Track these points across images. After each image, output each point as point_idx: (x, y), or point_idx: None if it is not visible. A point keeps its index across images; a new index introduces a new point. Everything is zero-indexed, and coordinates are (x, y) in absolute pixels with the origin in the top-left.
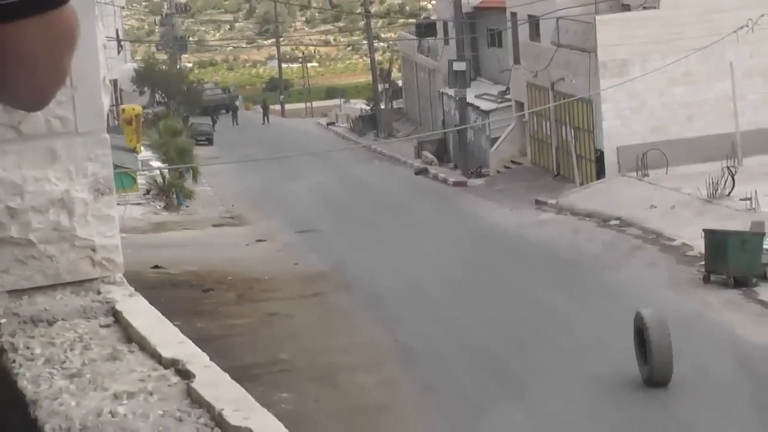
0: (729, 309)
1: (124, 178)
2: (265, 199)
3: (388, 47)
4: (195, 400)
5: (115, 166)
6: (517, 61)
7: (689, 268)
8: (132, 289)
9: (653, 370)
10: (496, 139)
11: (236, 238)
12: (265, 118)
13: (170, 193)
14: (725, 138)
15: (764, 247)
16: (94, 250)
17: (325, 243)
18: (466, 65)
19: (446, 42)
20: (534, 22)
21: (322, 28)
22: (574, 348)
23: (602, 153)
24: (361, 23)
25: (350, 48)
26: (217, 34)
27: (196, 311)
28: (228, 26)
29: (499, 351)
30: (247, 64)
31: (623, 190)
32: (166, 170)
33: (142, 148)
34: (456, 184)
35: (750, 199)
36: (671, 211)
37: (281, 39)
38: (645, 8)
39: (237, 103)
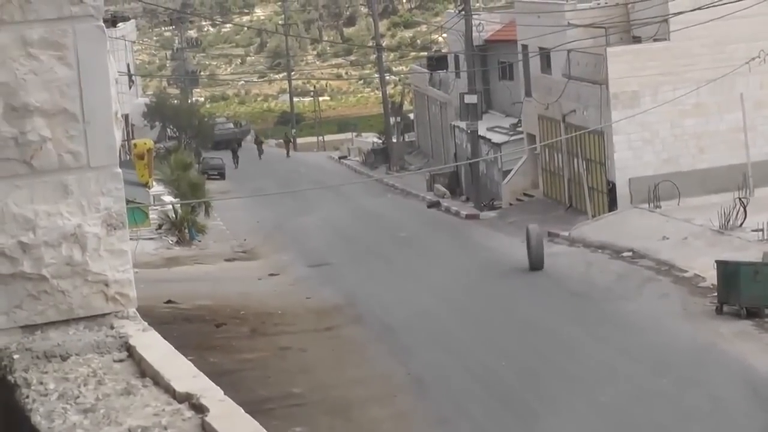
0: (741, 340)
1: (137, 213)
2: (278, 233)
3: (399, 80)
4: None
5: (127, 201)
6: (528, 93)
7: (702, 299)
8: (145, 323)
9: (532, 260)
10: (508, 172)
11: (249, 273)
12: (288, 151)
13: (182, 227)
14: (736, 169)
15: None
16: (107, 284)
17: (338, 276)
18: (478, 98)
19: (457, 75)
20: (545, 55)
21: (334, 61)
22: (587, 378)
23: (614, 185)
24: (373, 57)
25: (362, 81)
26: (229, 69)
27: (210, 346)
28: (239, 60)
29: (512, 382)
30: (258, 98)
31: (635, 221)
32: (178, 205)
33: (153, 182)
34: (468, 216)
35: (762, 230)
36: (683, 243)
37: (293, 73)
38: (656, 40)
39: (259, 137)
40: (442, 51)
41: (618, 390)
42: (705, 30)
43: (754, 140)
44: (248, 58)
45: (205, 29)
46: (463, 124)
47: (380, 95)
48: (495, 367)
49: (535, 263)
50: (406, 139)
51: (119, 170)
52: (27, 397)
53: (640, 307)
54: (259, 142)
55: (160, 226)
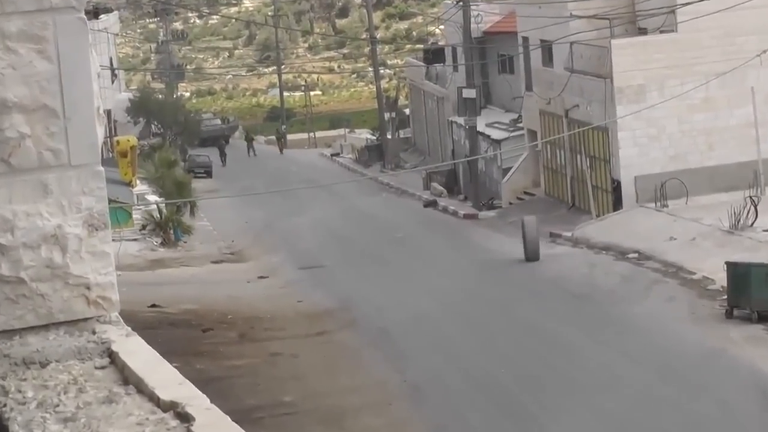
0: (752, 345)
1: (119, 213)
2: (268, 234)
3: (394, 74)
4: None
5: (110, 201)
6: (529, 87)
7: (711, 302)
8: (128, 328)
9: (527, 251)
10: (508, 170)
11: (237, 275)
12: (281, 148)
13: (167, 228)
14: (747, 166)
15: None
16: (88, 288)
17: (331, 279)
18: (476, 92)
19: (455, 68)
20: (547, 47)
21: (326, 54)
22: (590, 384)
23: (619, 183)
24: (367, 49)
25: (355, 75)
26: (216, 62)
27: (196, 352)
28: (227, 53)
29: (512, 388)
30: (247, 93)
31: (641, 221)
32: (163, 204)
33: (137, 181)
34: (466, 216)
35: None
36: (692, 243)
37: (283, 66)
38: (662, 31)
39: (249, 133)
40: (439, 43)
41: (622, 396)
42: (714, 21)
43: (766, 136)
44: (236, 51)
45: (192, 21)
46: (461, 120)
47: (374, 90)
48: (495, 373)
49: (531, 254)
50: (402, 136)
51: (101, 168)
52: (4, 405)
53: (646, 310)
54: (249, 139)
55: (143, 227)
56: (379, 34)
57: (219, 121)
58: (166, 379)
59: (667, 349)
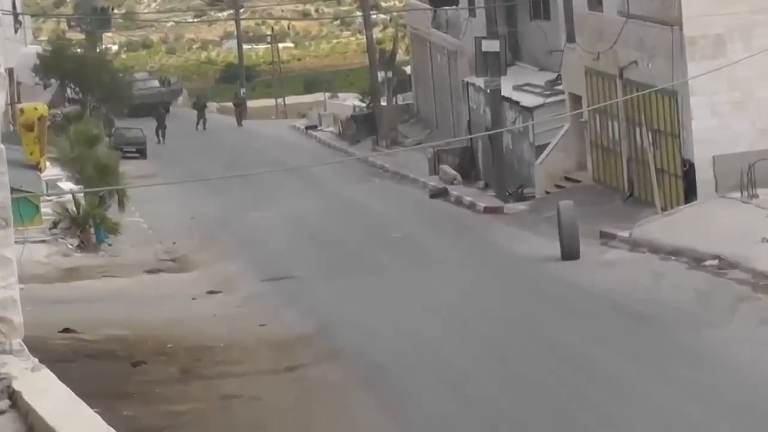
0: None
1: (23, 205)
2: (221, 234)
3: (390, 21)
4: None
5: (12, 190)
6: (571, 38)
7: None
8: (35, 360)
9: (564, 246)
10: (543, 148)
11: (179, 290)
12: (239, 120)
13: (87, 226)
14: None
15: None
16: None
17: (305, 294)
18: (501, 45)
19: (472, 13)
20: None
21: None
22: None
23: (692, 165)
24: None
25: (338, 22)
26: (153, 5)
27: (124, 392)
28: None
29: None
30: (194, 46)
31: (722, 217)
32: (81, 194)
33: (47, 163)
34: (488, 210)
35: None
36: None
37: (242, 10)
38: None
39: (201, 99)
40: None
41: None
42: None
43: None
44: None
45: None
46: (480, 81)
47: (364, 41)
48: (521, 420)
49: (569, 251)
50: (401, 102)
51: (1, 146)
52: None
53: (729, 336)
54: (201, 107)
55: (55, 225)
56: None
57: (157, 83)
58: (84, 428)
59: (758, 388)
